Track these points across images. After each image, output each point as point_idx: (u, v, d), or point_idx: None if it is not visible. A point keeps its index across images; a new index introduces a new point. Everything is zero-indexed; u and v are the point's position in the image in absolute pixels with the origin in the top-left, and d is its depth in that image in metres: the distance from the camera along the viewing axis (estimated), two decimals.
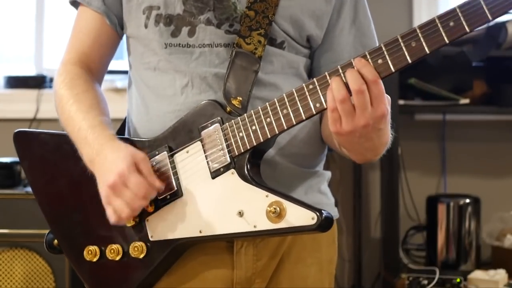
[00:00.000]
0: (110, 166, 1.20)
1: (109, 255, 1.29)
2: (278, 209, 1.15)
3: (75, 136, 1.29)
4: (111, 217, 1.22)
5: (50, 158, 1.37)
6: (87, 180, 1.30)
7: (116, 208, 1.20)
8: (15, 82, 3.14)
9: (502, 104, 2.91)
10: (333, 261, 1.42)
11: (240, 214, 1.19)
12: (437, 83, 2.87)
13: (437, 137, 3.19)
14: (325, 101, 1.13)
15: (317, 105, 1.15)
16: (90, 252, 1.30)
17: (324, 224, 1.11)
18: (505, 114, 3.09)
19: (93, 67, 1.37)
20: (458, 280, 2.67)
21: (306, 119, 1.17)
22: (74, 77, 1.34)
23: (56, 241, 1.36)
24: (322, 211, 1.13)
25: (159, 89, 1.31)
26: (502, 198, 3.13)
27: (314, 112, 1.16)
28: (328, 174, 1.41)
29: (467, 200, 2.89)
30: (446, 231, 2.89)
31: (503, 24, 2.76)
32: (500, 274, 2.68)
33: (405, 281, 2.71)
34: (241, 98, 1.24)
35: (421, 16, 3.11)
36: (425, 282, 2.68)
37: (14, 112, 3.07)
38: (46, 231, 1.38)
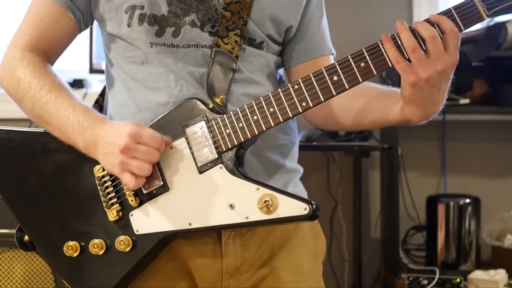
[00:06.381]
0: (114, 137, 1.21)
1: (92, 250, 1.28)
2: (270, 201, 1.20)
3: (61, 122, 1.28)
4: (131, 183, 1.21)
5: (15, 154, 1.35)
6: (61, 176, 1.31)
7: (136, 169, 1.20)
8: None
9: (502, 104, 2.90)
10: (322, 254, 1.45)
11: (231, 206, 1.22)
12: None
13: (437, 137, 3.19)
14: (311, 100, 1.20)
15: (303, 104, 1.21)
16: (70, 247, 1.29)
17: (314, 213, 1.19)
18: (505, 114, 3.08)
19: (50, 56, 1.38)
20: (458, 280, 2.66)
21: (293, 117, 1.23)
22: (39, 65, 1.33)
23: (26, 237, 1.35)
24: (312, 202, 1.19)
25: (148, 82, 1.32)
26: (502, 198, 3.12)
27: (301, 110, 1.22)
28: (301, 169, 1.45)
29: (467, 200, 2.89)
30: (446, 231, 2.89)
31: (503, 24, 2.76)
32: (500, 274, 2.68)
33: (405, 281, 2.71)
34: (222, 96, 1.28)
35: (421, 16, 3.11)
36: (425, 282, 2.68)
37: (14, 112, 3.04)
38: None
